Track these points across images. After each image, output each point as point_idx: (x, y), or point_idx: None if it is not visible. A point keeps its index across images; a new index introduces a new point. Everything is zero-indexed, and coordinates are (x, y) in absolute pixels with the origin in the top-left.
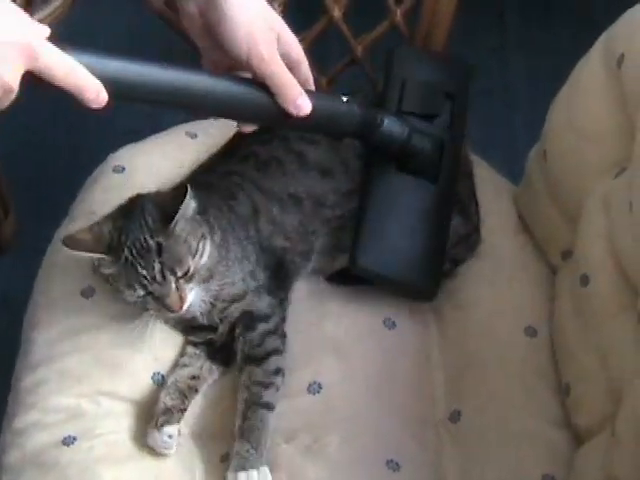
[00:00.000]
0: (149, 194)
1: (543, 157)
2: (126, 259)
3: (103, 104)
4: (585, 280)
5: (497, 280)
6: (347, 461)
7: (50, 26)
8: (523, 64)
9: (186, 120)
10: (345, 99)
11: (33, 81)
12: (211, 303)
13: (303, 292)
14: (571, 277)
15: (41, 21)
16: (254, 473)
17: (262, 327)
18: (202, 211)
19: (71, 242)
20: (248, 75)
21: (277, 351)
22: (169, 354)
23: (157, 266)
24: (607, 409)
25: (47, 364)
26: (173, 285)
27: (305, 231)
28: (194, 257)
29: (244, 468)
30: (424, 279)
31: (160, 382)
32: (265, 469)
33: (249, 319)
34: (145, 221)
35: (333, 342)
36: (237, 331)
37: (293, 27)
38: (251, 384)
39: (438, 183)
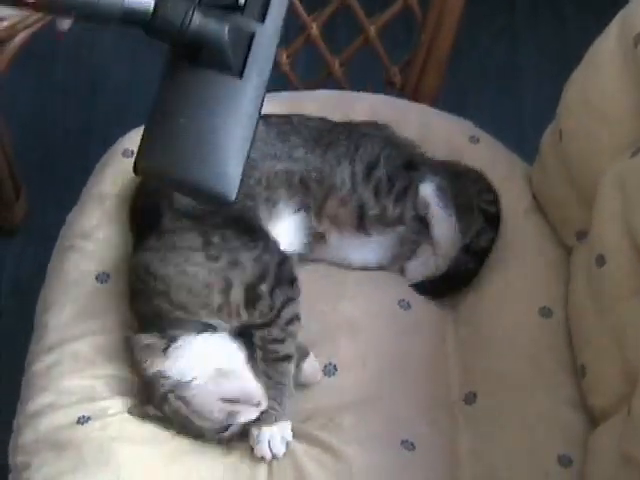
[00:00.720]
0: None
1: (558, 137)
2: None
3: None
4: (601, 260)
5: (511, 261)
6: (363, 438)
7: None
8: (532, 44)
9: None
10: None
11: None
12: None
13: (318, 274)
14: (586, 258)
15: None
16: (275, 428)
17: (263, 289)
18: None
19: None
20: None
21: (288, 300)
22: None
23: None
24: (623, 390)
25: (60, 347)
26: None
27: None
28: None
29: (267, 423)
30: (219, 182)
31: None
32: (285, 423)
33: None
34: None
35: (348, 324)
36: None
37: (305, 9)
38: (266, 343)
39: (245, 78)
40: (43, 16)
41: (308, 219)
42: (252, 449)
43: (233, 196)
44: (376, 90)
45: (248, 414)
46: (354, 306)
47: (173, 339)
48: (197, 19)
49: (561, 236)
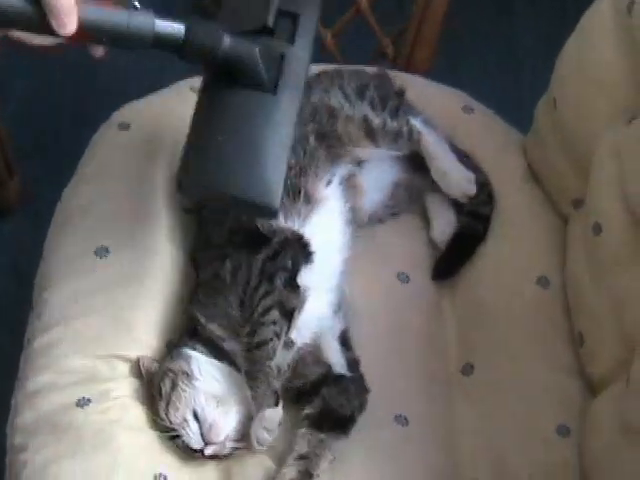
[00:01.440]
0: None
1: (552, 105)
2: None
3: None
4: (597, 228)
5: (508, 230)
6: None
7: None
8: (529, 14)
9: (189, 75)
10: (136, 3)
11: None
12: None
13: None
14: (583, 226)
15: None
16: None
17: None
18: None
19: None
20: None
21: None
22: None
23: None
24: (621, 357)
25: (61, 325)
26: None
27: None
28: None
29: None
30: (262, 192)
31: (172, 349)
32: (270, 411)
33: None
34: None
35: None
36: None
37: None
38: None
39: (279, 93)
40: None
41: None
42: None
43: (276, 205)
44: (369, 62)
45: (190, 439)
46: (353, 283)
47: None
48: (227, 41)
49: (557, 205)
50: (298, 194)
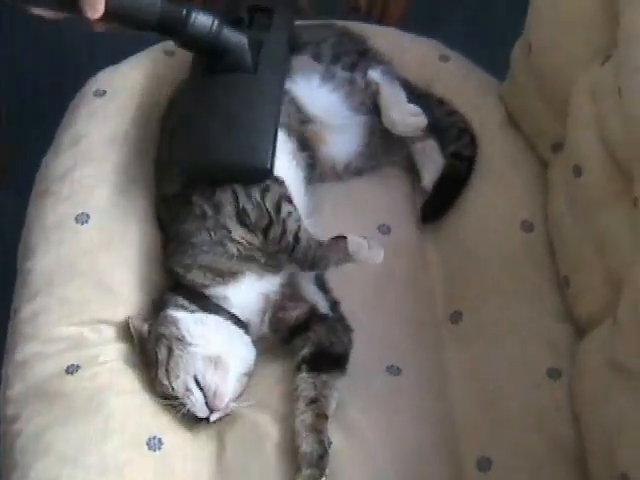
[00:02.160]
0: None
1: (528, 50)
2: None
3: None
4: (578, 171)
5: (489, 176)
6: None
7: None
8: None
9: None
10: None
11: None
12: None
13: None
14: (563, 169)
15: None
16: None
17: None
18: None
19: None
20: None
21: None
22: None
23: None
24: (608, 298)
25: (45, 293)
26: None
27: None
28: None
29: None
30: (253, 156)
31: (157, 308)
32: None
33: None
34: None
35: None
36: None
37: None
38: (285, 252)
39: (259, 72)
40: None
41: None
42: None
43: (268, 165)
44: (341, 17)
45: (195, 409)
46: (332, 234)
47: (203, 309)
48: (223, 28)
49: (537, 150)
50: None
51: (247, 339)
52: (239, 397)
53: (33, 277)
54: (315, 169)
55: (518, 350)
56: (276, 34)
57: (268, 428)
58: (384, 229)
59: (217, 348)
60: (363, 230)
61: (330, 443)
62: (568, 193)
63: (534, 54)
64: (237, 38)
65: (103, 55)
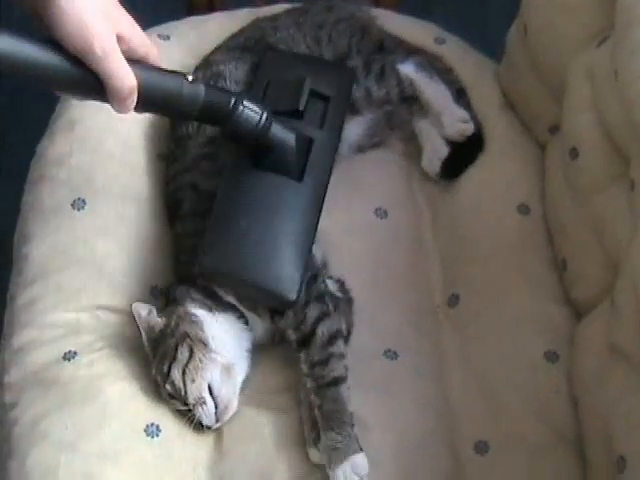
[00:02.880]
0: None
1: (524, 32)
2: None
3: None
4: (574, 153)
5: (486, 159)
6: None
7: None
8: None
9: (156, 22)
10: (191, 78)
11: None
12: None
13: None
14: (560, 152)
15: None
16: (346, 465)
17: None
18: None
19: None
20: None
21: (323, 316)
22: (166, 264)
23: None
24: (605, 280)
25: (42, 280)
26: None
27: None
28: None
29: (340, 461)
30: (281, 283)
31: (157, 296)
32: (359, 456)
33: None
34: None
35: (324, 236)
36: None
37: None
38: (311, 367)
39: (305, 182)
40: None
41: None
42: None
43: (294, 297)
44: None
45: (205, 418)
46: (329, 218)
47: (216, 305)
48: (272, 125)
49: (534, 132)
50: None
51: (251, 338)
52: None
53: (28, 264)
54: None
55: (515, 333)
56: (329, 131)
57: (267, 413)
58: (381, 213)
59: (230, 355)
60: (359, 213)
61: None
62: (565, 175)
63: (530, 36)
64: (285, 137)
65: None
